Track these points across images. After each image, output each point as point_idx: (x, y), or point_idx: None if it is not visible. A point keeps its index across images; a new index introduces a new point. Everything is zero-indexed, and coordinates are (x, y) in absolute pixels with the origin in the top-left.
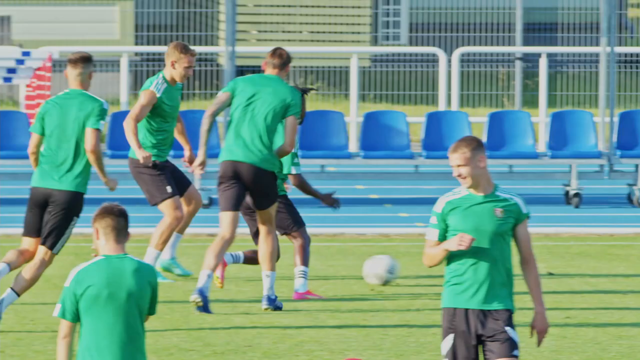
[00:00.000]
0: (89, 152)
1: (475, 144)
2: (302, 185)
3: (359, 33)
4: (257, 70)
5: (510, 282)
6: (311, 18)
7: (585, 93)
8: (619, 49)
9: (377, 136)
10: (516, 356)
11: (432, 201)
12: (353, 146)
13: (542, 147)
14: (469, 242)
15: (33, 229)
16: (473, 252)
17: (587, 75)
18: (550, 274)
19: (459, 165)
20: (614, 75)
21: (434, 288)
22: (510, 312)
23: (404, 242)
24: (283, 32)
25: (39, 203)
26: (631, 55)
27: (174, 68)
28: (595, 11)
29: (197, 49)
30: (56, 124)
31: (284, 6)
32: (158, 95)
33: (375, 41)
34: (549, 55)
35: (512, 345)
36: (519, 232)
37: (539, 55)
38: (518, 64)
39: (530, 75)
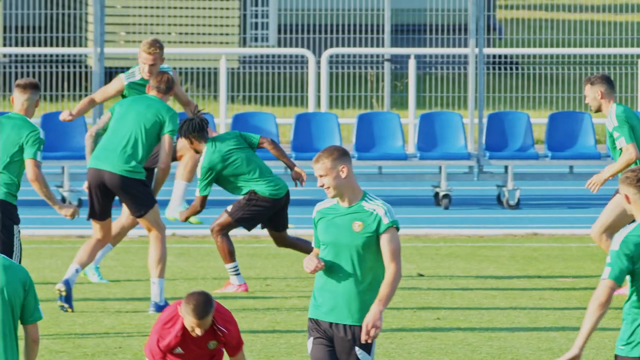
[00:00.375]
0: (31, 182)
1: (336, 154)
2: (275, 148)
3: (227, 34)
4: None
5: (374, 295)
6: (179, 19)
7: (454, 94)
8: (488, 50)
9: None
10: None
11: (301, 202)
12: None
13: (411, 148)
14: (314, 268)
15: None
16: (331, 266)
17: (455, 76)
18: (420, 275)
19: (321, 176)
20: (483, 76)
21: (304, 289)
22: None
23: (274, 244)
24: (151, 33)
25: None
26: (499, 56)
27: (139, 63)
28: (464, 12)
29: (66, 50)
30: None
31: (152, 7)
32: (125, 83)
33: (243, 42)
34: (418, 56)
35: None
36: (382, 242)
37: (407, 56)
38: (387, 66)
39: (399, 76)
